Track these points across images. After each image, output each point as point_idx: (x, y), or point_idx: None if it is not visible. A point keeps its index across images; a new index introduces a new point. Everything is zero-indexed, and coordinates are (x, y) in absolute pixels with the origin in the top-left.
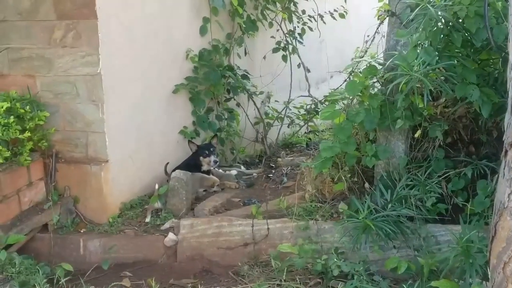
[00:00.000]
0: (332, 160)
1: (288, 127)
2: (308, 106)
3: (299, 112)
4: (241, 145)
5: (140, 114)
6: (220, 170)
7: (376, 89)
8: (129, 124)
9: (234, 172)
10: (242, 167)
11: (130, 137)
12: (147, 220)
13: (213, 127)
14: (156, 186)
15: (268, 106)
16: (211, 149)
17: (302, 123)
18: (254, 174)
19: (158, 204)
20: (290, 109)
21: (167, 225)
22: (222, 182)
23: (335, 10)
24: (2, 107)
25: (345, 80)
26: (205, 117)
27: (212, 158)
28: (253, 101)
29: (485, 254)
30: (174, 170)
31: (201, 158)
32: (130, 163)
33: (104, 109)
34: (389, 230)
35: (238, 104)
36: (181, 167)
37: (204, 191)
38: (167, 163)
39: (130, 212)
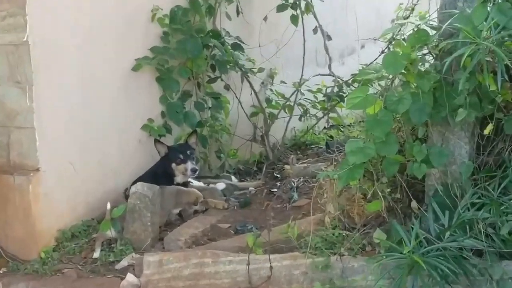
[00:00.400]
0: (363, 168)
1: (300, 119)
2: (329, 90)
3: (316, 98)
4: (232, 147)
5: (86, 103)
6: (201, 183)
7: (427, 65)
8: (71, 116)
9: (221, 185)
10: (233, 178)
11: (71, 136)
12: (96, 255)
13: (191, 120)
14: (108, 206)
15: (271, 90)
16: (188, 152)
17: (320, 114)
18: (250, 188)
19: (111, 232)
20: (303, 94)
21: (124, 262)
22: (204, 200)
23: None
24: None
25: (382, 52)
26: (180, 106)
27: (189, 165)
28: (249, 82)
29: None
30: (135, 183)
31: (173, 164)
32: (71, 172)
33: (33, 95)
34: (447, 270)
35: (227, 87)
36: (144, 178)
37: (178, 213)
38: (130, 186)
39: (71, 244)
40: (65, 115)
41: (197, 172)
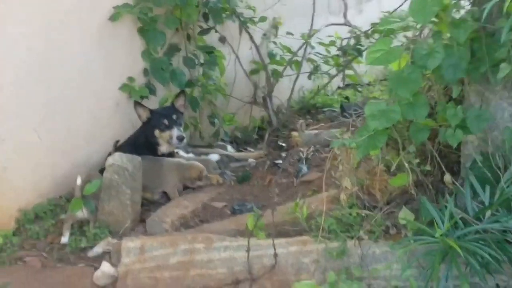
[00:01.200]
0: (386, 135)
1: (309, 78)
2: (344, 42)
3: (328, 52)
4: (227, 110)
5: (52, 57)
6: (191, 154)
7: (463, 11)
8: (32, 73)
9: (215, 156)
10: (229, 147)
11: (34, 97)
12: (64, 240)
13: (179, 78)
14: (78, 181)
15: (275, 43)
16: (174, 117)
17: (333, 71)
18: (250, 160)
19: (83, 213)
20: (313, 48)
21: (98, 248)
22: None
23: None
24: None
25: None
26: (166, 62)
27: (175, 131)
28: (248, 33)
29: None
30: (111, 154)
31: (156, 131)
32: (35, 141)
33: None
34: (488, 257)
35: (222, 40)
36: (123, 147)
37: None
38: (117, 141)
39: (35, 227)
40: (25, 71)
41: (184, 141)
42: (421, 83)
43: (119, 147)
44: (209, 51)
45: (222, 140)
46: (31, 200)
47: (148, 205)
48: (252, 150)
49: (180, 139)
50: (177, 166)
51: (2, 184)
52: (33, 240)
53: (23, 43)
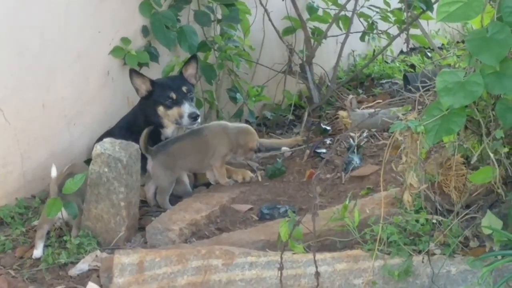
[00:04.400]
0: (465, 116)
1: (362, 39)
2: None
3: (388, 5)
4: (253, 82)
5: (23, 11)
6: None
7: None
8: None
9: None
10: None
11: None
12: (38, 253)
13: (189, 39)
14: (54, 172)
15: None
16: (184, 89)
17: (394, 30)
18: (283, 148)
19: (62, 215)
20: None
21: (83, 265)
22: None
23: None
24: None
25: None
26: (171, 17)
27: (187, 107)
28: None
29: None
30: (101, 139)
31: (160, 108)
32: (1, 123)
33: None
34: None
35: None
36: (115, 131)
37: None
38: (150, 128)
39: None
40: None
41: (199, 120)
42: (511, 46)
43: (110, 131)
44: (229, 3)
45: (247, 121)
46: None
47: (148, 207)
48: (286, 135)
49: (194, 117)
50: (223, 128)
51: None
52: None
53: None
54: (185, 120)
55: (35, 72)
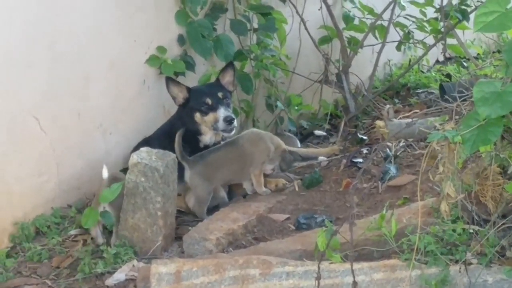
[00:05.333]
0: (502, 126)
1: (398, 49)
2: (445, 1)
3: (424, 14)
4: (289, 92)
5: (54, 18)
6: None
7: None
8: (27, 42)
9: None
10: (295, 140)
11: (31, 74)
12: (99, 240)
13: (226, 48)
14: (105, 173)
15: (352, 1)
16: (220, 95)
17: (430, 39)
18: (320, 157)
19: (97, 229)
20: (404, 8)
21: (120, 274)
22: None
23: None
24: None
25: None
26: (208, 26)
27: (222, 112)
28: None
29: None
30: (138, 148)
31: (196, 115)
32: (35, 131)
33: None
34: None
35: None
36: (153, 140)
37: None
38: (182, 130)
39: (36, 246)
40: (18, 38)
41: (235, 124)
42: None
43: (147, 140)
44: (265, 12)
45: (288, 130)
46: (31, 210)
47: (184, 216)
48: (322, 144)
49: (229, 121)
50: (258, 135)
51: None
52: (34, 263)
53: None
54: (221, 124)
55: (71, 81)
